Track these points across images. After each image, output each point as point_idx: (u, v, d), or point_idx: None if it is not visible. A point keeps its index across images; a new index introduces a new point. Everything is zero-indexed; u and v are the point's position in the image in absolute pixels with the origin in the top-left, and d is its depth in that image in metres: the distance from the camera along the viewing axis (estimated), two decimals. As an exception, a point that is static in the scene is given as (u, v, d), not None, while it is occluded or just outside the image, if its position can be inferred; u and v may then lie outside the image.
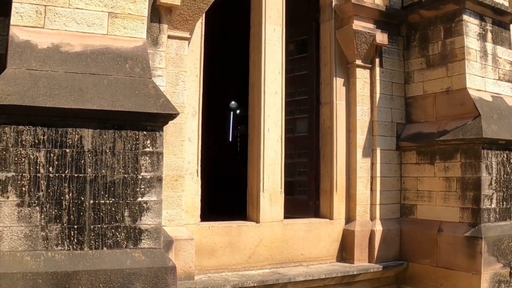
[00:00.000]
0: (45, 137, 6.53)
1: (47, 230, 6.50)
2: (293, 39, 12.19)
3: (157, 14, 8.97)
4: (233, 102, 22.05)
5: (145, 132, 6.91)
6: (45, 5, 7.07)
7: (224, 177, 19.91)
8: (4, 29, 8.25)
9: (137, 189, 6.85)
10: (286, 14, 11.12)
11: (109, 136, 6.76)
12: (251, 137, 10.92)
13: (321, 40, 12.11)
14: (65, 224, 6.56)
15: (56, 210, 6.54)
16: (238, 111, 22.74)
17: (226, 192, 18.66)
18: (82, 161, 6.65)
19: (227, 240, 10.07)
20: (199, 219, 9.76)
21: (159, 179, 6.99)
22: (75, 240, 6.61)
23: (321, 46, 12.08)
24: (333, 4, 11.83)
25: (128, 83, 7.02)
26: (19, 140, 6.45)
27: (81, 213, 6.62)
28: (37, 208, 6.48)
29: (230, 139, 23.26)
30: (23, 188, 6.44)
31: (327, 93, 11.81)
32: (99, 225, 6.69)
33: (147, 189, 6.89)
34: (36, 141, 6.51)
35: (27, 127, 6.49)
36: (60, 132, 6.58)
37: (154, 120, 6.97)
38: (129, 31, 7.38)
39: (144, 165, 6.89)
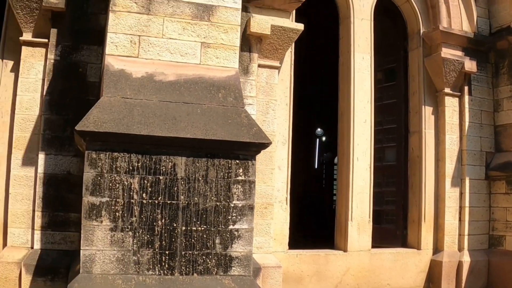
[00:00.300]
0: (139, 164, 6.66)
1: (139, 255, 6.61)
2: (381, 67, 12.18)
3: (247, 43, 9.10)
4: (319, 129, 22.03)
5: (237, 161, 6.98)
6: (139, 35, 7.25)
7: (309, 203, 19.87)
8: (98, 58, 8.51)
9: (229, 217, 6.91)
10: (374, 42, 11.14)
11: (202, 164, 6.84)
12: (340, 166, 10.96)
13: (409, 68, 12.07)
14: (157, 250, 6.66)
15: (148, 236, 6.65)
16: (323, 138, 22.69)
17: (310, 218, 18.62)
18: (175, 188, 6.75)
19: (314, 268, 10.07)
20: (287, 247, 9.82)
21: (251, 208, 7.05)
22: (166, 266, 6.69)
23: (409, 74, 12.05)
24: (421, 31, 11.79)
25: (221, 112, 7.12)
26: (114, 166, 6.59)
27: (173, 239, 6.71)
28: (130, 233, 6.60)
29: (316, 166, 23.18)
30: (117, 213, 6.57)
31: (415, 121, 11.75)
32: (190, 252, 6.76)
33: (239, 217, 6.95)
34: (131, 167, 6.64)
35: (121, 154, 6.64)
36: (154, 160, 6.71)
37: (247, 149, 7.03)
38: (221, 61, 7.48)
39: (236, 193, 6.95)
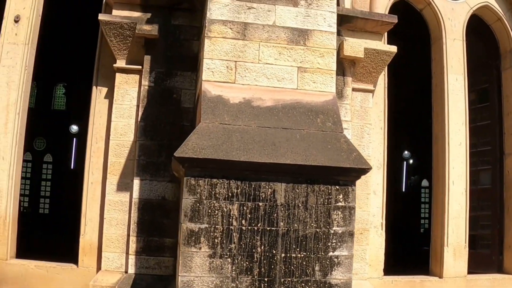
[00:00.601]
0: (238, 191, 6.62)
1: (237, 282, 6.56)
2: (474, 87, 11.94)
3: (340, 67, 9.00)
4: (406, 152, 21.78)
5: (337, 187, 6.86)
6: (235, 61, 7.24)
7: (398, 228, 19.66)
8: (192, 84, 8.56)
9: (329, 244, 6.79)
10: (467, 62, 10.93)
11: (301, 190, 6.76)
12: (435, 190, 10.79)
13: (503, 88, 11.80)
14: (255, 277, 6.60)
15: (247, 262, 6.59)
16: (411, 161, 22.43)
17: (400, 243, 18.44)
18: (275, 215, 6.67)
19: (409, 295, 9.92)
20: (382, 273, 9.67)
21: (351, 234, 6.91)
22: (265, 293, 6.64)
23: (503, 94, 11.77)
24: (513, 50, 11.54)
25: (320, 137, 7.03)
26: (213, 193, 6.57)
27: (272, 266, 6.64)
28: (229, 259, 6.55)
29: (403, 189, 22.92)
30: (216, 240, 6.54)
31: (511, 143, 11.45)
32: (289, 279, 6.67)
33: (339, 244, 6.83)
34: (230, 194, 6.60)
35: (220, 180, 6.61)
36: (253, 186, 6.65)
37: (347, 175, 6.92)
38: (318, 85, 7.41)
39: (336, 219, 6.83)
